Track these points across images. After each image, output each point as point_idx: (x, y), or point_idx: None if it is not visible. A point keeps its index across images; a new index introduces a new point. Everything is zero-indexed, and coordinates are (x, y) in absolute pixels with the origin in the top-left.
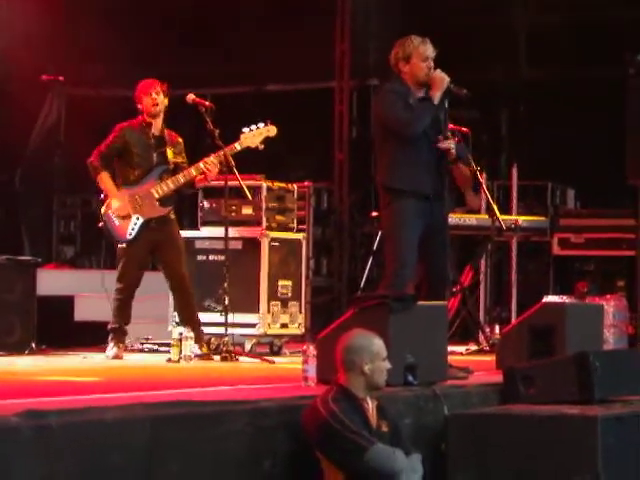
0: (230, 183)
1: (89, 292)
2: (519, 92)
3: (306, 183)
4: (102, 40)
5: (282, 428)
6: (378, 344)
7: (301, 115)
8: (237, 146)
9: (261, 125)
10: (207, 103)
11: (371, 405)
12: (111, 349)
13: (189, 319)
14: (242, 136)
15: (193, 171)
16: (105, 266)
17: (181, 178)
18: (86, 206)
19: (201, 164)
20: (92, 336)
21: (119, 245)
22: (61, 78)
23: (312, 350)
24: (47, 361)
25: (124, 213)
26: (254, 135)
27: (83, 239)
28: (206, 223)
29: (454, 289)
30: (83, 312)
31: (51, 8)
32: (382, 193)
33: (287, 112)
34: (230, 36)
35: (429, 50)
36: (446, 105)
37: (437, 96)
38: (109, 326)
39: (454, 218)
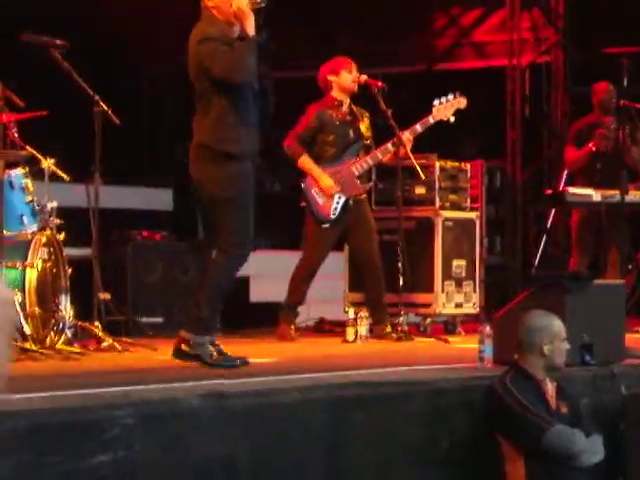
0: (403, 163)
1: (265, 273)
2: None
3: (479, 161)
4: (276, 22)
5: (459, 409)
6: (558, 324)
7: (472, 94)
8: (430, 119)
9: (451, 97)
10: (379, 83)
11: (550, 386)
12: (282, 329)
13: (377, 300)
14: (434, 109)
15: (390, 146)
16: (280, 247)
17: (379, 154)
18: (260, 186)
19: (396, 139)
20: (268, 317)
21: (323, 225)
22: None
23: (488, 330)
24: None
25: (328, 192)
26: (445, 107)
27: (257, 219)
28: (380, 203)
29: (630, 266)
30: (259, 293)
31: None
32: (207, 154)
33: (458, 91)
34: (399, 14)
35: None
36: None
37: (249, 28)
38: (282, 303)
39: (629, 196)
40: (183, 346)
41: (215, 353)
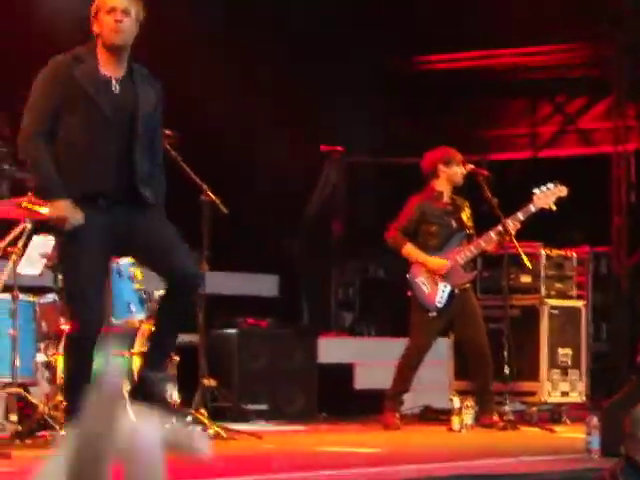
0: (509, 251)
1: (369, 360)
2: None
3: (585, 249)
4: (380, 107)
5: None
6: None
7: (577, 180)
8: (532, 208)
9: (551, 186)
10: (485, 172)
11: None
12: (387, 417)
13: (484, 388)
14: (535, 197)
15: (493, 235)
16: (385, 333)
17: (483, 243)
18: (365, 272)
19: (500, 227)
20: (373, 405)
21: (429, 314)
22: (339, 148)
23: (595, 421)
24: (328, 430)
25: (433, 280)
26: (546, 196)
27: (362, 305)
28: (485, 291)
29: None
30: (364, 380)
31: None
32: None
33: (563, 177)
34: (504, 101)
35: None
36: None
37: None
38: (387, 391)
39: None
40: None
41: None
